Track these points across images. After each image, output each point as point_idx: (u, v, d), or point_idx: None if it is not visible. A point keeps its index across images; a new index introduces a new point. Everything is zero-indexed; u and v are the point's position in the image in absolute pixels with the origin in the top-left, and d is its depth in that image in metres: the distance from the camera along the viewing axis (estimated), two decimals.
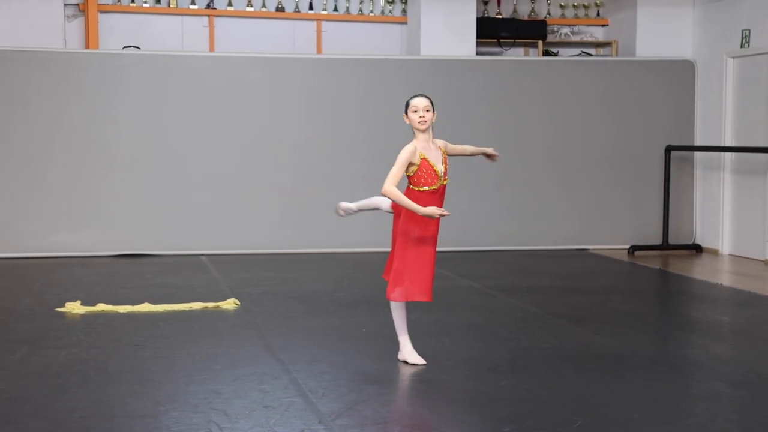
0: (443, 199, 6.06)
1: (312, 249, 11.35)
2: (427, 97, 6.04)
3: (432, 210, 5.81)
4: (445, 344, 6.60)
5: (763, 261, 10.80)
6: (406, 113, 6.03)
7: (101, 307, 7.80)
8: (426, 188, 5.97)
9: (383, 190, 5.89)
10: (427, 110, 5.97)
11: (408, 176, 5.99)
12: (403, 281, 6.01)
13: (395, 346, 6.54)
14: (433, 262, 6.05)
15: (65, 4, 11.52)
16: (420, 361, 6.03)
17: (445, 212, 5.83)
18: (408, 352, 6.08)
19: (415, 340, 6.22)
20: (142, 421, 4.88)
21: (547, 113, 11.89)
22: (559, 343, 6.72)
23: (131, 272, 9.84)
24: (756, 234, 11.07)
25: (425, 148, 5.99)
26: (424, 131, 5.98)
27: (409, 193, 5.97)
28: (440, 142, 6.13)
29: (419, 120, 5.95)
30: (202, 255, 11.02)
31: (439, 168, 6.00)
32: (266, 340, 6.73)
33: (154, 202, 11.09)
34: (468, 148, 6.36)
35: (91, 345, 6.57)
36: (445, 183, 6.04)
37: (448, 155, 6.11)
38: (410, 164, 5.94)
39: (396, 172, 5.91)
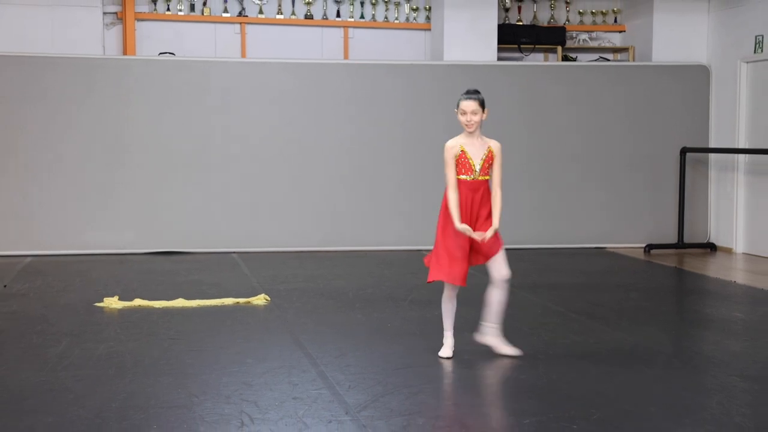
0: (480, 194, 6.05)
1: (339, 247, 11.35)
2: (476, 97, 6.04)
3: (465, 228, 5.90)
4: (467, 339, 6.57)
5: None
6: (458, 109, 6.07)
7: (138, 302, 7.83)
8: (463, 177, 6.01)
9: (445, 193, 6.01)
10: (474, 113, 6.00)
11: None
12: (433, 264, 6.06)
13: (419, 340, 6.55)
14: (467, 251, 6.03)
15: (104, 13, 11.59)
16: (445, 354, 6.05)
17: (474, 235, 5.86)
18: (446, 345, 6.11)
19: (439, 337, 6.20)
20: (176, 411, 4.89)
21: (567, 116, 11.84)
22: (579, 338, 6.69)
23: (166, 269, 9.87)
24: None
25: (467, 143, 6.04)
26: (471, 134, 6.03)
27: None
28: (494, 145, 6.11)
29: (465, 123, 6.02)
30: (234, 253, 11.04)
31: (476, 162, 6.00)
32: (295, 334, 6.74)
33: (189, 203, 11.12)
34: (495, 198, 6.21)
35: (128, 338, 6.59)
36: (480, 179, 6.03)
37: (492, 161, 6.07)
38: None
39: (448, 173, 6.02)
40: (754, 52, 11.28)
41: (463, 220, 5.98)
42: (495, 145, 6.12)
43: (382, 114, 11.49)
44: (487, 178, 6.09)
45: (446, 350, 6.10)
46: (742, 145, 11.49)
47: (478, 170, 6.03)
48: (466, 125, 6.02)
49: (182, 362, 5.95)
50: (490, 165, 6.09)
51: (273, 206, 11.30)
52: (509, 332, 6.88)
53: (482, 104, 6.06)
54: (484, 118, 6.08)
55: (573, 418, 4.79)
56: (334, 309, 7.74)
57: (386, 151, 11.47)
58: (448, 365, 5.89)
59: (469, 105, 6.02)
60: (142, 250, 11.00)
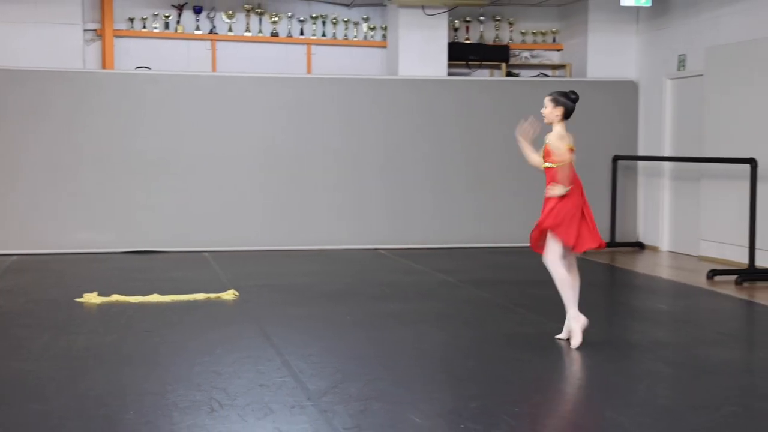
0: (549, 178, 6.30)
1: (302, 246, 11.33)
2: (550, 95, 6.30)
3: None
4: (420, 330, 6.60)
5: (697, 257, 10.84)
6: None
7: (115, 297, 7.76)
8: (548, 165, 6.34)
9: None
10: (545, 107, 6.27)
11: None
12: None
13: (376, 331, 6.55)
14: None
15: (84, 30, 11.47)
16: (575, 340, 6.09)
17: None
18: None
19: (394, 328, 6.22)
20: (151, 398, 4.85)
21: (510, 127, 11.71)
22: (520, 329, 6.73)
23: (142, 267, 9.79)
24: (691, 233, 11.11)
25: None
26: (549, 124, 6.27)
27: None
28: (550, 135, 6.31)
29: (547, 114, 6.28)
30: (205, 252, 10.98)
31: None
32: (261, 326, 6.71)
33: (163, 205, 11.05)
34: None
35: (107, 331, 6.53)
36: (544, 166, 6.30)
37: (549, 147, 6.28)
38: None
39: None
40: (678, 69, 11.41)
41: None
42: (551, 136, 6.30)
43: (342, 123, 11.48)
44: (547, 164, 6.28)
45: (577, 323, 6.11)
46: (667, 154, 11.62)
47: (541, 159, 6.30)
48: (546, 118, 6.27)
49: (156, 353, 5.91)
50: (546, 154, 6.29)
51: (241, 208, 11.25)
52: (458, 324, 6.91)
53: (553, 101, 6.27)
54: (554, 113, 6.24)
55: (515, 402, 4.82)
56: (298, 303, 7.73)
57: (344, 158, 11.47)
58: (402, 354, 5.89)
59: (545, 100, 6.30)
60: (120, 249, 10.90)
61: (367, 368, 5.50)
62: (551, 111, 6.25)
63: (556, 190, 6.17)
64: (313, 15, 12.22)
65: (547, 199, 6.24)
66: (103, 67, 11.50)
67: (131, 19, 11.71)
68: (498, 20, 12.74)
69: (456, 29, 12.64)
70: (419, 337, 6.39)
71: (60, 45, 11.22)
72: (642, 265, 10.46)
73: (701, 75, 10.78)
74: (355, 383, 5.15)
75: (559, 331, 6.32)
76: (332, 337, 6.41)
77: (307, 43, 12.20)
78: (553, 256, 6.13)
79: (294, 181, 11.37)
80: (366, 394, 4.95)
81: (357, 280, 8.98)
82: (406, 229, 11.55)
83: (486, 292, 8.32)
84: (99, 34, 11.57)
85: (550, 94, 6.29)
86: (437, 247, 11.46)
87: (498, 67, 12.63)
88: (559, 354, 5.93)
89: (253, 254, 10.87)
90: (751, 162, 9.29)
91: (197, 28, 11.92)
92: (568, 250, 6.18)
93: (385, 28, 12.35)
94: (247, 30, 12.06)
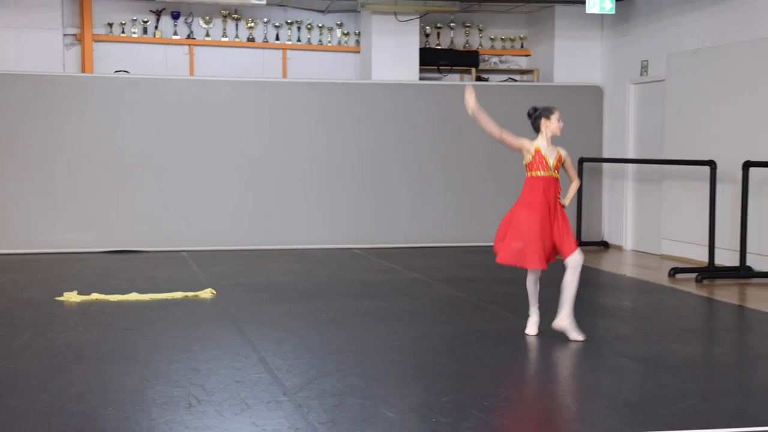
0: (552, 189, 6.23)
1: (279, 246, 11.30)
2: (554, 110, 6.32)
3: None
4: (393, 328, 6.60)
5: (659, 255, 10.93)
6: (549, 118, 6.22)
7: (95, 296, 7.71)
8: (536, 173, 6.21)
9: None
10: (559, 121, 6.27)
11: (525, 164, 6.24)
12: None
13: (350, 328, 6.55)
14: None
15: (64, 35, 11.39)
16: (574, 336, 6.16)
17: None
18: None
19: (368, 325, 6.22)
20: (130, 394, 4.83)
21: (480, 130, 11.80)
22: (491, 326, 6.76)
23: (122, 266, 9.73)
24: (653, 232, 11.20)
25: (543, 146, 6.23)
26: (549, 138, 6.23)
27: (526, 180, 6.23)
28: (562, 151, 6.28)
29: (561, 128, 6.23)
30: (183, 251, 10.93)
31: (551, 161, 6.20)
32: (238, 324, 6.69)
33: (142, 206, 10.99)
34: (572, 178, 6.49)
35: (86, 329, 6.49)
36: (553, 175, 6.21)
37: (562, 162, 6.26)
38: (527, 152, 6.20)
39: (508, 134, 6.31)
40: (641, 75, 11.50)
41: (539, 212, 6.15)
42: (563, 151, 6.27)
43: (317, 126, 11.46)
44: (556, 175, 6.21)
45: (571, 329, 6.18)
46: (630, 156, 11.70)
47: (552, 166, 6.19)
48: (560, 131, 6.21)
49: (135, 350, 5.88)
50: (561, 165, 6.23)
51: (219, 209, 11.21)
52: (430, 321, 6.93)
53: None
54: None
55: (485, 396, 4.84)
56: (274, 301, 7.71)
57: (319, 160, 11.45)
58: (376, 351, 5.90)
59: (558, 116, 6.26)
60: (100, 249, 10.82)
61: (342, 364, 5.50)
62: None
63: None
64: (289, 21, 12.20)
65: (563, 211, 6.26)
66: (83, 71, 11.41)
67: (110, 24, 11.63)
68: (468, 26, 12.78)
69: (427, 35, 12.66)
70: (392, 333, 6.39)
71: (40, 49, 11.15)
72: (607, 263, 10.53)
73: (663, 80, 10.87)
74: (330, 379, 5.15)
75: (526, 326, 6.34)
76: (307, 334, 6.40)
77: (283, 48, 12.18)
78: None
79: (270, 183, 11.34)
80: (340, 389, 4.95)
81: (332, 279, 8.97)
82: (381, 228, 11.56)
83: (458, 290, 8.34)
84: (78, 39, 11.49)
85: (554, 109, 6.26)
86: (411, 247, 11.48)
87: (468, 72, 12.67)
88: (528, 350, 5.96)
89: (230, 254, 10.84)
90: (711, 164, 9.38)
91: (175, 33, 11.86)
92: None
93: (359, 34, 12.35)
94: (224, 35, 12.02)
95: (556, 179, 6.23)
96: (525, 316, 6.54)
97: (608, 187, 12.21)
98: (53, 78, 10.87)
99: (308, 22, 12.26)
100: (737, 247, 9.19)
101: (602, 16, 12.14)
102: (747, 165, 8.93)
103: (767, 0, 9.40)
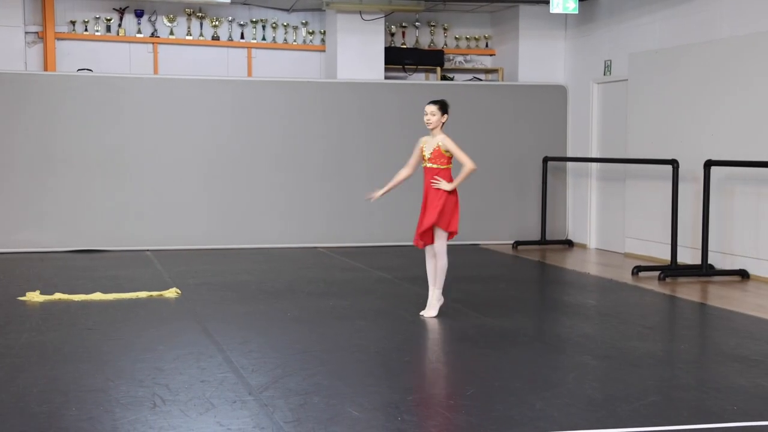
0: (431, 175, 6.80)
1: (244, 245, 11.26)
2: (437, 102, 6.71)
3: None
4: (358, 326, 6.60)
5: (622, 253, 11.03)
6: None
7: (58, 296, 7.63)
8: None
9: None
10: (433, 114, 6.68)
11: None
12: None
13: (315, 327, 6.54)
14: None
15: (26, 32, 11.26)
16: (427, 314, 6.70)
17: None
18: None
19: (333, 324, 6.21)
20: (94, 394, 4.79)
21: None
22: (455, 324, 6.78)
23: (85, 266, 9.64)
24: (617, 231, 11.31)
25: (426, 141, 6.74)
26: (431, 130, 6.68)
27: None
28: (440, 138, 6.72)
29: (425, 121, 6.71)
30: (148, 250, 10.85)
31: (427, 153, 6.72)
32: (203, 323, 6.66)
33: (105, 204, 10.89)
34: (462, 162, 6.80)
35: (49, 329, 6.42)
36: (427, 166, 6.75)
37: (444, 149, 6.68)
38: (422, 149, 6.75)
39: (412, 159, 6.97)
40: (604, 74, 11.60)
41: (424, 199, 6.85)
42: (441, 138, 6.70)
43: (282, 125, 11.44)
44: (435, 165, 6.69)
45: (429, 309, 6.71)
46: (594, 155, 11.79)
47: (427, 158, 6.71)
48: (426, 123, 6.72)
49: (99, 350, 5.83)
50: (446, 153, 6.68)
51: (183, 208, 11.14)
52: (394, 320, 6.94)
53: (441, 109, 6.69)
54: (441, 120, 6.65)
55: (450, 395, 4.86)
56: (239, 300, 7.68)
57: (282, 159, 11.43)
58: (341, 350, 5.90)
59: (428, 107, 6.73)
60: (62, 248, 10.72)
61: (307, 363, 5.49)
62: (440, 118, 6.72)
63: (448, 185, 6.69)
64: (254, 19, 12.15)
65: (435, 195, 6.69)
66: (45, 69, 11.29)
67: (73, 22, 11.51)
68: (433, 26, 12.81)
69: (392, 34, 12.68)
70: (357, 332, 6.40)
71: (1, 47, 11.00)
72: (571, 261, 10.61)
73: (626, 80, 10.97)
74: (295, 378, 5.15)
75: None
76: (272, 333, 6.39)
77: (248, 47, 12.13)
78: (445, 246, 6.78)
79: (235, 181, 11.30)
80: (306, 388, 4.95)
81: (297, 278, 8.96)
82: (346, 227, 11.55)
83: (422, 289, 8.33)
84: (40, 37, 11.36)
85: (437, 102, 6.57)
86: (376, 246, 11.48)
87: (433, 71, 12.70)
88: (492, 347, 5.99)
89: (195, 253, 10.78)
90: (673, 163, 9.48)
91: (139, 32, 11.77)
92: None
93: (324, 33, 12.33)
94: (189, 33, 11.94)
95: (434, 169, 6.74)
96: (490, 315, 6.58)
97: (572, 185, 12.30)
98: (15, 76, 10.74)
99: (273, 20, 12.23)
100: (699, 245, 9.30)
101: (566, 16, 12.23)
102: (708, 164, 9.04)
103: (726, 2, 9.53)
